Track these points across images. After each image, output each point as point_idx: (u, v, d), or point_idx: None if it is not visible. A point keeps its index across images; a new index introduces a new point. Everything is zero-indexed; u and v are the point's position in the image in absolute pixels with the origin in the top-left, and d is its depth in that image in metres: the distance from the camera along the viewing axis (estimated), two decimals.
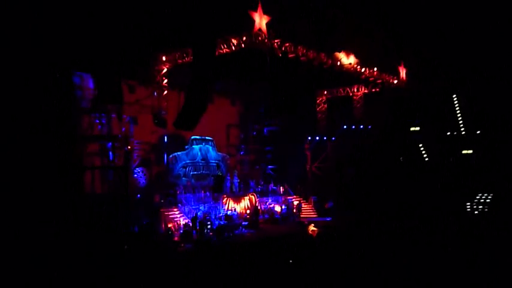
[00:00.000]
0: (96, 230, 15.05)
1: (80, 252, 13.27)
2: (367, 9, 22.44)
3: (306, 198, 25.00)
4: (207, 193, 20.88)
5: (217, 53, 17.79)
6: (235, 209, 21.03)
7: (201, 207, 19.69)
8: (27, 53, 13.94)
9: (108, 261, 13.26)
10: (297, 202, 24.22)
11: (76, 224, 14.66)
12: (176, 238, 17.02)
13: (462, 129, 26.10)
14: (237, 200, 21.66)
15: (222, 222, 18.90)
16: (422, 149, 25.71)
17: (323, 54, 20.54)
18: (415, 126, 26.11)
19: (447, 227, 18.62)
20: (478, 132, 25.70)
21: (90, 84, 18.29)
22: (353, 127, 26.00)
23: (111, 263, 13.18)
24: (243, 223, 19.96)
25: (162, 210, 18.36)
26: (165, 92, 20.11)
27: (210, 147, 22.50)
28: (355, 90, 26.31)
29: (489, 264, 12.82)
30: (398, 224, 19.03)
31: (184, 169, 21.15)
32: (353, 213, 22.42)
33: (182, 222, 18.19)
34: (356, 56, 22.09)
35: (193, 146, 21.67)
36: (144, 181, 20.40)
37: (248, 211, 21.28)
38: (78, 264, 12.49)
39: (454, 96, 26.50)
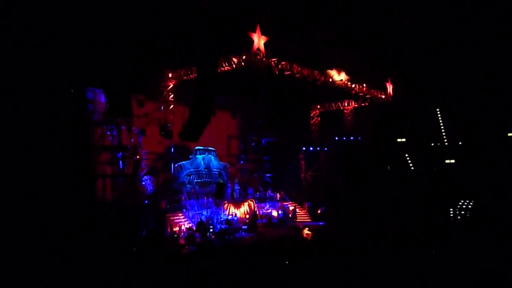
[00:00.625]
0: (107, 233, 15.09)
1: (92, 254, 13.33)
2: (357, 29, 22.68)
3: (300, 204, 25.01)
4: (210, 199, 20.92)
5: (219, 71, 17.99)
6: (235, 214, 21.07)
7: (204, 212, 19.73)
8: (46, 71, 14.15)
9: (118, 262, 13.33)
10: (293, 207, 24.28)
11: (89, 227, 14.72)
12: (181, 241, 17.07)
13: (445, 140, 26.26)
14: (237, 205, 21.72)
15: (223, 226, 18.95)
16: (408, 158, 25.85)
17: (316, 72, 20.70)
18: (401, 138, 26.30)
19: (432, 231, 18.68)
20: (460, 143, 25.86)
21: (102, 98, 18.42)
22: (344, 138, 26.08)
23: (121, 264, 13.23)
24: (243, 227, 19.97)
25: (168, 215, 18.39)
26: (171, 106, 20.29)
27: (213, 157, 22.58)
28: (346, 104, 26.41)
29: (471, 265, 12.91)
30: (385, 228, 19.09)
31: (188, 177, 21.21)
32: (343, 218, 22.46)
33: (186, 226, 18.24)
34: (347, 73, 22.23)
35: (197, 156, 21.75)
36: (151, 188, 20.38)
37: (247, 216, 21.31)
38: (90, 265, 12.54)
39: (438, 109, 26.73)
